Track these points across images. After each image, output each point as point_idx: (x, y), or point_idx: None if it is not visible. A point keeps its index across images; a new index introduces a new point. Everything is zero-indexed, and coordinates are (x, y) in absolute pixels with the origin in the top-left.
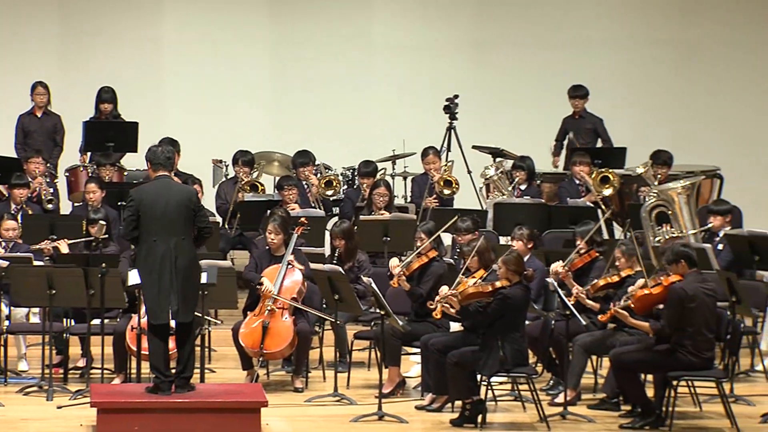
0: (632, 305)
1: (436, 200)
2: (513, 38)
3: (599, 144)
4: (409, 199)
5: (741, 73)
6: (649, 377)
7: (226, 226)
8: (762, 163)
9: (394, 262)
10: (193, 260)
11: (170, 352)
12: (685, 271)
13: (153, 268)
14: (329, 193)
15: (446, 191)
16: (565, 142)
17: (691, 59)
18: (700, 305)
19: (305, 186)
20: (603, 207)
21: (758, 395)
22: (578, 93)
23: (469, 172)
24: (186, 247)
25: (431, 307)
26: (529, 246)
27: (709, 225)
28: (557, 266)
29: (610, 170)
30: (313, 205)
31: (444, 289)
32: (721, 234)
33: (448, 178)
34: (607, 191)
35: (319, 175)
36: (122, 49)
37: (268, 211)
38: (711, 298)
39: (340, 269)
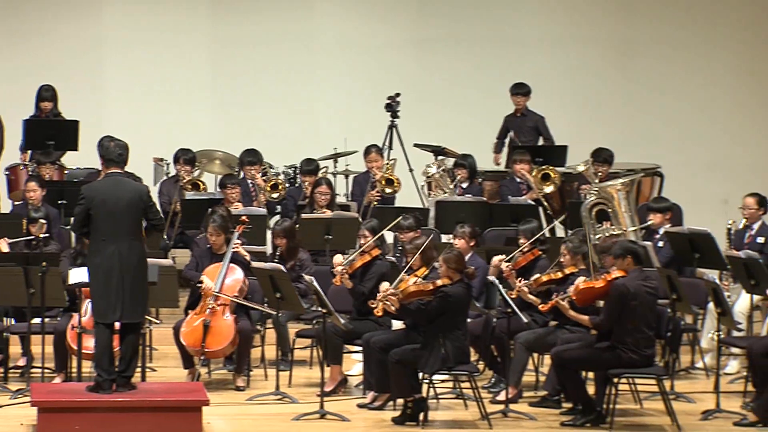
0: (574, 297)
1: (378, 196)
2: (455, 36)
3: (540, 142)
4: (350, 198)
5: (680, 70)
6: (590, 375)
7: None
8: (702, 160)
9: (338, 258)
10: (142, 260)
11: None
12: (629, 268)
13: (102, 267)
14: (275, 196)
15: (388, 190)
16: (507, 140)
17: (632, 57)
18: (641, 303)
19: (250, 185)
20: (545, 204)
21: (698, 392)
22: (520, 90)
23: (411, 170)
24: (136, 247)
25: (372, 305)
26: (471, 244)
27: (649, 222)
28: (498, 259)
29: (551, 167)
30: (260, 207)
31: (385, 285)
32: (661, 231)
33: (390, 177)
34: (548, 188)
35: (265, 177)
36: (62, 47)
37: (210, 210)
38: (652, 296)
39: (282, 268)
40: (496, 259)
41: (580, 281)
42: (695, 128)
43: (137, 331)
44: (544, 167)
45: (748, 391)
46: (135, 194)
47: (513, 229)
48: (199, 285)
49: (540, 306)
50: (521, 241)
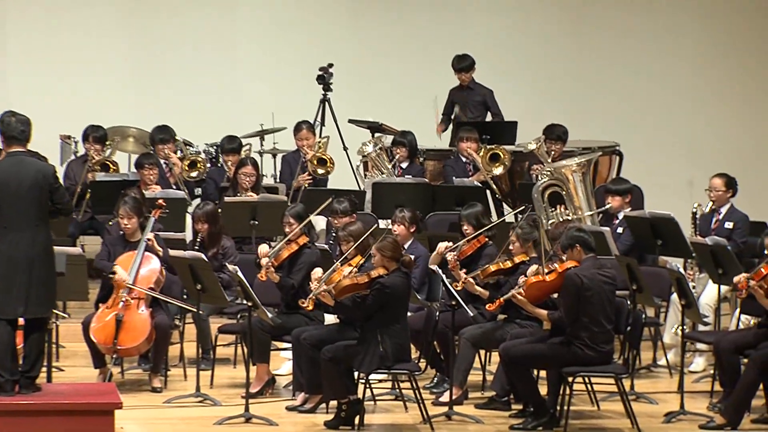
0: (523, 293)
1: (309, 177)
2: (392, 2)
3: (489, 118)
4: (278, 179)
5: (642, 40)
6: (543, 373)
7: (73, 214)
8: (665, 138)
9: (263, 249)
10: (48, 249)
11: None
12: (580, 257)
13: (3, 256)
14: (194, 174)
15: (320, 170)
16: (453, 116)
17: (587, 25)
18: (597, 294)
19: (165, 165)
20: (494, 187)
21: (661, 392)
22: (463, 65)
23: (346, 148)
24: (42, 234)
25: (303, 304)
26: (412, 230)
27: (607, 206)
28: (444, 246)
29: (501, 147)
30: (174, 187)
31: (317, 272)
32: (621, 216)
33: (323, 157)
34: (498, 170)
35: (180, 153)
36: None
37: (122, 193)
38: (609, 286)
39: (203, 256)
40: (441, 245)
41: (532, 271)
42: (657, 103)
43: (43, 327)
44: (492, 147)
45: (715, 391)
46: (39, 175)
47: (457, 214)
48: (112, 276)
49: (487, 306)
50: (465, 227)
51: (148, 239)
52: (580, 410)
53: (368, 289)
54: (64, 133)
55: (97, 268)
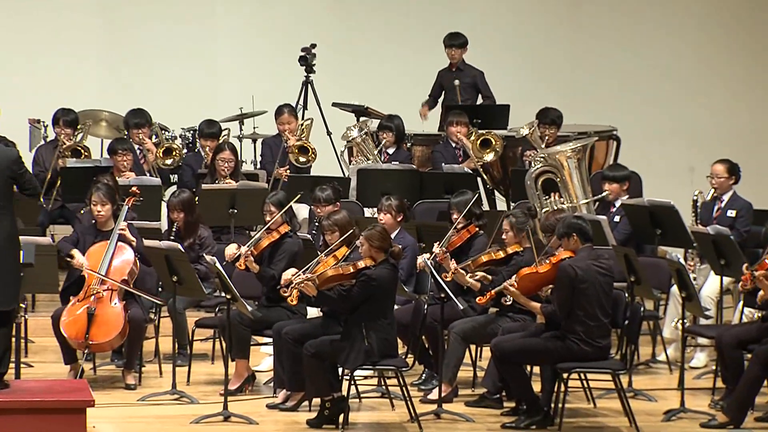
0: (515, 287)
1: (287, 170)
2: None
3: (480, 101)
4: (259, 165)
5: (639, 19)
6: (536, 369)
7: (41, 200)
8: (664, 122)
9: (230, 249)
10: (11, 238)
11: None
12: (577, 247)
13: None
14: (168, 162)
15: (301, 159)
16: (441, 99)
17: (582, 3)
18: (592, 286)
19: (138, 151)
20: (483, 175)
21: (660, 389)
22: (455, 42)
23: (329, 133)
24: (4, 222)
25: (285, 294)
26: (399, 219)
27: (604, 194)
28: (434, 249)
29: (492, 132)
30: (148, 174)
31: (289, 272)
32: (618, 204)
33: (305, 145)
34: (489, 156)
35: (155, 138)
36: None
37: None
38: (606, 278)
39: (179, 246)
40: (434, 247)
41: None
42: (657, 85)
43: (9, 321)
44: (484, 132)
45: (716, 388)
46: (2, 160)
47: (447, 202)
48: (69, 259)
49: (478, 299)
50: (454, 216)
51: (121, 228)
52: (576, 408)
53: (353, 280)
54: (32, 117)
55: (58, 249)
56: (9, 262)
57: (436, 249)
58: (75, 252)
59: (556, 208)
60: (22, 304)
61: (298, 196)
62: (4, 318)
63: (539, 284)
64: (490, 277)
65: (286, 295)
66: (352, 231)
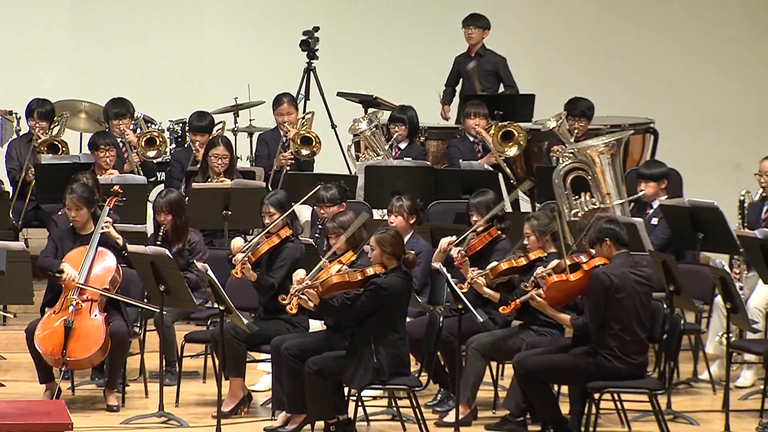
0: (543, 296)
1: (291, 159)
2: None
3: (501, 90)
4: (255, 162)
5: (678, 2)
6: (564, 389)
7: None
8: (706, 114)
9: (237, 243)
10: None
11: None
12: (611, 253)
13: None
14: (151, 154)
15: (304, 151)
16: (459, 88)
17: None
18: (629, 296)
19: (120, 144)
20: (507, 171)
21: (703, 411)
22: (475, 23)
23: (334, 126)
24: None
25: (284, 301)
26: (411, 221)
27: (640, 193)
28: (447, 242)
29: (514, 124)
30: (133, 172)
31: (300, 274)
32: (656, 205)
33: (307, 134)
34: (511, 150)
35: (139, 131)
36: None
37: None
38: (644, 287)
39: (167, 252)
40: (444, 242)
41: (551, 265)
42: (699, 74)
43: None
44: (505, 123)
45: (765, 410)
46: None
47: (465, 202)
48: (59, 276)
49: (500, 309)
50: (474, 218)
51: (105, 224)
52: (608, 431)
53: (361, 289)
54: (4, 109)
55: (41, 267)
56: None
57: (454, 253)
58: (65, 266)
59: (586, 209)
60: (6, 314)
61: (306, 197)
62: None
63: (570, 293)
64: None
65: (285, 303)
66: (359, 234)
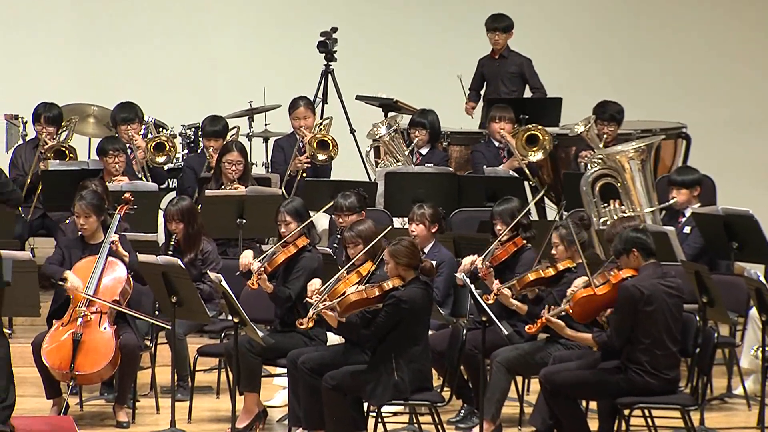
0: (570, 311)
1: (307, 161)
2: None
3: (527, 93)
4: (271, 168)
5: (711, 1)
6: (593, 405)
7: (21, 210)
8: (741, 118)
9: (246, 258)
10: None
11: None
12: (639, 264)
13: None
14: (160, 160)
15: (321, 155)
16: (483, 91)
17: None
18: (659, 309)
19: (130, 150)
20: (532, 178)
21: (737, 428)
22: (498, 25)
23: (353, 131)
24: None
25: (302, 325)
26: (433, 230)
27: (672, 201)
28: (470, 261)
29: (540, 128)
30: (138, 175)
31: (315, 284)
32: (688, 213)
33: (324, 138)
34: (536, 155)
35: (148, 135)
36: None
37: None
38: (675, 299)
39: (179, 262)
40: (467, 261)
41: (579, 284)
42: (732, 77)
43: None
44: (530, 127)
45: None
46: None
47: (489, 211)
48: (62, 284)
49: (527, 327)
50: (498, 227)
51: (112, 241)
52: None
53: (380, 304)
54: (9, 113)
55: (45, 274)
56: None
57: (478, 263)
58: (68, 274)
59: (615, 217)
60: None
61: (326, 208)
62: None
63: (597, 308)
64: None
65: (302, 327)
66: (378, 244)
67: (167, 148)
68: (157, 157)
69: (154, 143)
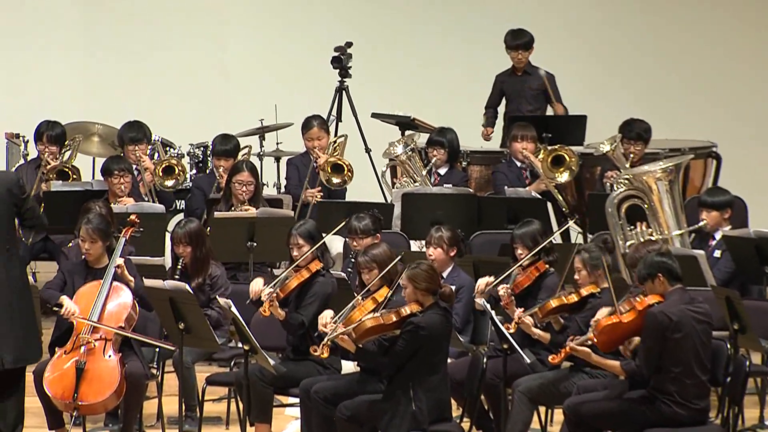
0: (595, 339)
1: (319, 191)
2: None
3: (550, 111)
4: (283, 189)
5: (741, 15)
6: None
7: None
8: None
9: (256, 285)
10: (23, 278)
11: None
12: (665, 289)
13: None
14: (169, 183)
15: (335, 179)
16: (502, 109)
17: None
18: (688, 336)
19: (136, 172)
20: (559, 199)
21: None
22: (519, 41)
23: (368, 150)
24: (15, 260)
25: (315, 352)
26: (452, 253)
27: (701, 223)
28: (484, 283)
29: (565, 148)
30: (145, 197)
31: (326, 316)
32: (718, 236)
33: (339, 162)
34: (562, 177)
35: (156, 156)
36: None
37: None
38: (703, 326)
39: (187, 287)
40: (482, 282)
41: (603, 314)
42: (763, 93)
43: (21, 379)
44: (556, 147)
45: None
46: (2, 187)
47: (510, 233)
48: (57, 309)
49: (550, 357)
50: (519, 251)
51: (117, 266)
52: None
53: (397, 330)
54: (10, 131)
55: (42, 299)
56: (27, 309)
57: (501, 292)
58: (64, 299)
59: (642, 240)
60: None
61: (338, 228)
62: (17, 376)
63: (623, 336)
64: (562, 320)
65: (316, 354)
66: (395, 268)
67: (176, 172)
68: (166, 180)
69: (163, 166)
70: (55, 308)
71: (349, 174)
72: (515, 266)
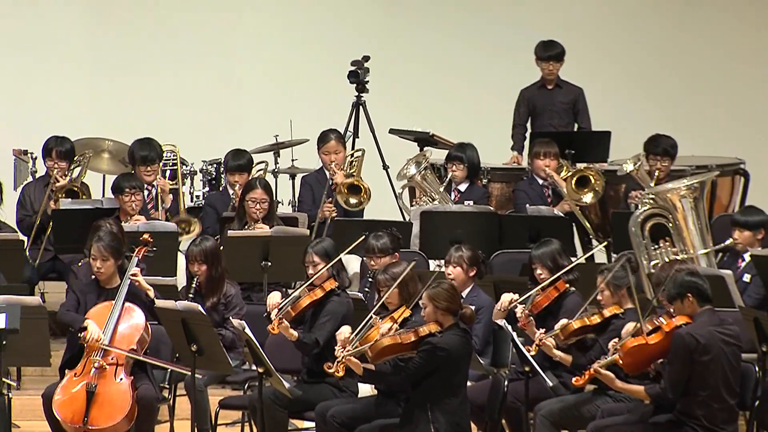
0: (620, 361)
1: (334, 207)
2: None
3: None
4: (298, 207)
5: (766, 28)
6: None
7: (26, 252)
8: None
9: (274, 299)
10: None
11: None
12: (694, 310)
13: None
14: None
15: (352, 200)
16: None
17: (698, 8)
18: (716, 358)
19: (146, 191)
20: (584, 223)
21: None
22: (551, 52)
23: (386, 167)
24: None
25: (330, 369)
26: (471, 273)
27: (728, 242)
28: (508, 300)
29: (590, 168)
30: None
31: (344, 332)
32: (747, 257)
33: (356, 183)
34: (586, 197)
35: (168, 173)
36: None
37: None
38: (732, 348)
39: (200, 308)
40: (505, 299)
41: (628, 332)
42: None
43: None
44: (581, 168)
45: None
46: None
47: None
48: (81, 335)
49: (573, 380)
50: (538, 271)
51: (133, 274)
52: None
53: (415, 350)
54: (18, 148)
55: (63, 322)
56: None
57: (518, 312)
58: (89, 323)
59: (667, 259)
60: (5, 380)
61: (354, 245)
62: None
63: (649, 358)
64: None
65: (330, 371)
66: (413, 287)
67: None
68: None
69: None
70: (80, 332)
71: (366, 196)
72: (536, 288)
